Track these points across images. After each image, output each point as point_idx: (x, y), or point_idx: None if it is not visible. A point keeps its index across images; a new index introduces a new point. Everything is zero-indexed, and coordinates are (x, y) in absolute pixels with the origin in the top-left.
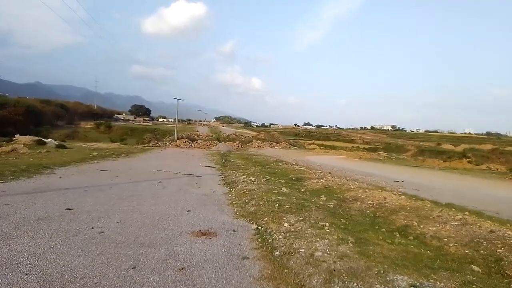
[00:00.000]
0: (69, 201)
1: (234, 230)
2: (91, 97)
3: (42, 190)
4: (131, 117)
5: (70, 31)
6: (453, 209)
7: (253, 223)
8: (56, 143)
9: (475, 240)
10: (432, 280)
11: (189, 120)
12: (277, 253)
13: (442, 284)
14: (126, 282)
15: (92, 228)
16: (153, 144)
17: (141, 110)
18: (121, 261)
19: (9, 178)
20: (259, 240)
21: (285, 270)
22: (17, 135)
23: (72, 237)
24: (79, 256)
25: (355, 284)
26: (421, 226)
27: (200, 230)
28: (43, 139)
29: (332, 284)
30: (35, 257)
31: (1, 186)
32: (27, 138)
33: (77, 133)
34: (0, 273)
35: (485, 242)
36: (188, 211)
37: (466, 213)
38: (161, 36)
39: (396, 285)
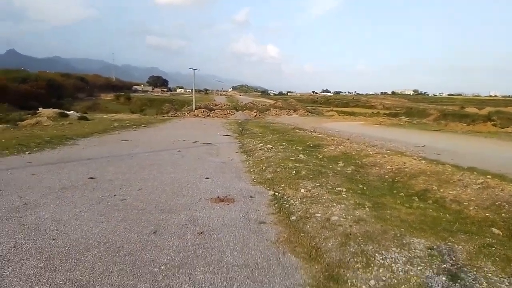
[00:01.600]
0: (92, 171)
1: (251, 196)
2: (109, 69)
3: (66, 160)
4: (149, 88)
5: (83, 3)
6: (474, 173)
7: (270, 190)
8: (78, 115)
9: (497, 203)
10: (450, 243)
11: (206, 90)
12: (294, 218)
13: (460, 246)
14: (148, 246)
15: (115, 195)
16: (171, 114)
17: (158, 81)
18: (142, 226)
19: (34, 149)
20: (276, 205)
21: (301, 234)
22: (40, 108)
23: (96, 204)
24: (102, 222)
25: (370, 247)
26: (441, 190)
27: (218, 197)
28: (65, 112)
29: (348, 247)
30: (61, 224)
31: (27, 157)
32: (50, 111)
33: (98, 105)
34: (29, 238)
35: (507, 205)
36: (207, 178)
37: (488, 176)
38: (175, 5)
39: (413, 248)
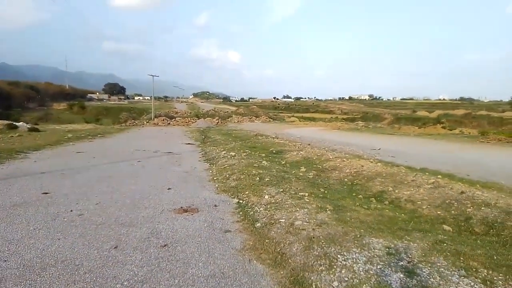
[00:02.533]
0: (46, 185)
1: (215, 205)
2: (62, 76)
3: (16, 175)
4: (105, 96)
5: (34, 7)
6: (426, 173)
7: (234, 197)
8: (28, 126)
9: (447, 201)
10: (406, 241)
11: (166, 97)
12: (258, 224)
13: (416, 244)
14: (109, 262)
15: (71, 211)
16: (130, 123)
17: (115, 89)
18: (102, 241)
19: None
20: (241, 213)
21: (266, 240)
22: None
23: (51, 221)
24: (59, 239)
25: (333, 249)
26: (396, 191)
27: (181, 207)
28: (14, 123)
29: (311, 250)
30: (13, 243)
31: None
32: None
33: (50, 115)
34: None
35: (456, 203)
36: (169, 189)
37: (439, 176)
38: (131, 8)
39: (372, 248)
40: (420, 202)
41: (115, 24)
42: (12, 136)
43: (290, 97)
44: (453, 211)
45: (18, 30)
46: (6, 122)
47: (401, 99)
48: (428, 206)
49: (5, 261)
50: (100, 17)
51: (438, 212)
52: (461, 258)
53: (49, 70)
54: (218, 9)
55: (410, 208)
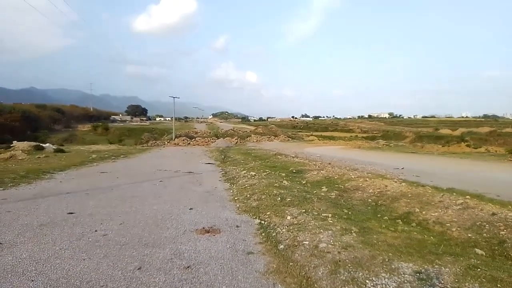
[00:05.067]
0: (71, 205)
1: (237, 226)
2: (86, 99)
3: (43, 195)
4: (128, 118)
5: (60, 34)
6: (454, 194)
7: (256, 218)
8: (54, 147)
9: (478, 223)
10: (437, 266)
11: (186, 117)
12: (282, 246)
13: (447, 269)
14: (133, 283)
15: (96, 231)
16: (151, 143)
17: (137, 110)
18: (126, 262)
19: (9, 185)
20: (263, 234)
21: (291, 263)
22: (14, 142)
23: (76, 241)
24: (84, 260)
25: (360, 273)
26: (423, 212)
27: (203, 228)
28: (41, 144)
29: (338, 275)
30: (40, 263)
31: (1, 194)
32: (24, 144)
33: (74, 137)
34: (6, 280)
35: (487, 225)
36: (191, 209)
37: (467, 197)
38: (153, 34)
39: (402, 273)
40: (449, 224)
41: (137, 49)
42: (39, 157)
43: (308, 116)
44: (485, 234)
45: (45, 56)
46: (33, 143)
47: (423, 117)
48: (458, 228)
49: (33, 281)
50: (123, 42)
51: (469, 235)
52: (498, 285)
53: (75, 94)
54: (235, 33)
55: (439, 230)
